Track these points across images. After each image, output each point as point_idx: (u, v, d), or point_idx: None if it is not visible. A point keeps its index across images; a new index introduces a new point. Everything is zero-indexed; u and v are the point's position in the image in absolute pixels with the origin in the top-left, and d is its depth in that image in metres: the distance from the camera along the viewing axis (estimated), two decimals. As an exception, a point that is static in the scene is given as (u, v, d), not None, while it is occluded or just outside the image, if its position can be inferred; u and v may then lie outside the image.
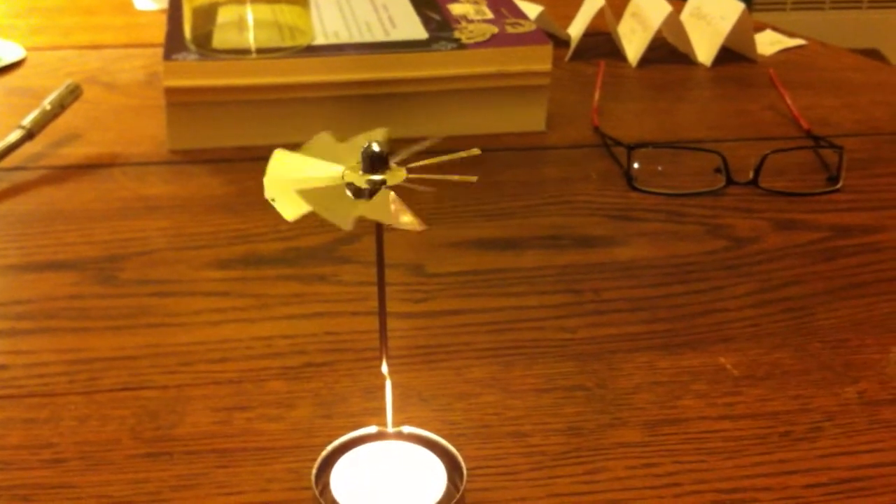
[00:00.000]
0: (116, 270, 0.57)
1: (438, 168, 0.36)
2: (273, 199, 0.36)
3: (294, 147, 0.38)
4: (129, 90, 0.81)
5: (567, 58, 0.89)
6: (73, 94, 0.73)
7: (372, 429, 0.41)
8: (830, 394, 0.48)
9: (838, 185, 0.67)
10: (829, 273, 0.58)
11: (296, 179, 0.36)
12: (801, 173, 0.69)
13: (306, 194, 0.35)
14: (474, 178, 0.36)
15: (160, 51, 0.71)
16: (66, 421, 0.45)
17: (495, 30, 0.75)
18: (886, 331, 0.53)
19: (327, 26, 0.76)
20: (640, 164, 0.68)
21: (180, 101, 0.70)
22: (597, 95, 0.80)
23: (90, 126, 0.74)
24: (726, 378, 0.49)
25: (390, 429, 0.41)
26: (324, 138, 0.38)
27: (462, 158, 0.37)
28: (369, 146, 0.35)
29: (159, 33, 0.74)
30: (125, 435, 0.45)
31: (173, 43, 0.71)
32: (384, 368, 0.39)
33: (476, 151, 0.37)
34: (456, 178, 0.36)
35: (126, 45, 0.91)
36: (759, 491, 0.42)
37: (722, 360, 0.50)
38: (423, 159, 0.37)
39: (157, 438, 0.45)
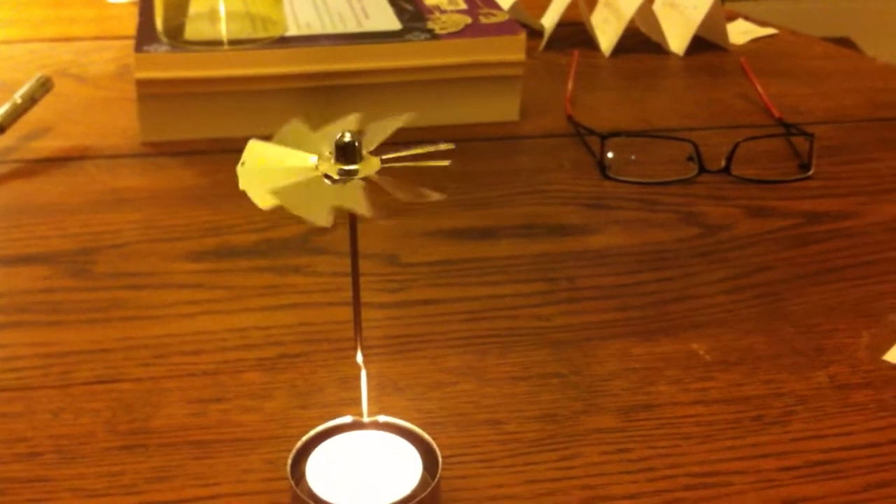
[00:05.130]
0: (89, 264, 0.57)
1: (412, 159, 0.36)
2: (247, 191, 0.35)
3: (267, 137, 0.37)
4: (101, 83, 0.81)
5: (540, 48, 0.89)
6: (44, 87, 0.72)
7: (347, 418, 0.41)
8: (802, 378, 0.48)
9: (809, 173, 0.68)
10: (801, 259, 0.59)
11: (270, 170, 0.36)
12: (772, 161, 0.70)
13: (281, 192, 0.35)
14: (447, 162, 0.36)
15: (131, 43, 0.70)
16: (41, 415, 0.45)
17: (469, 20, 0.75)
18: (857, 315, 0.53)
19: (300, 17, 0.75)
20: (613, 153, 0.68)
21: (152, 93, 0.70)
22: (570, 85, 0.80)
23: (61, 119, 0.74)
24: (699, 364, 0.49)
25: (366, 418, 0.41)
26: (295, 126, 0.38)
27: (436, 148, 0.37)
28: (342, 136, 0.35)
29: (130, 25, 0.74)
30: (100, 428, 0.45)
31: (145, 35, 0.71)
32: (359, 358, 0.39)
33: (449, 146, 0.37)
34: (431, 163, 0.36)
35: (97, 38, 0.90)
36: (732, 474, 0.42)
37: (695, 346, 0.51)
38: (396, 150, 0.37)
39: (133, 431, 0.44)
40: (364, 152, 0.36)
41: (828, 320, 0.53)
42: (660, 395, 0.47)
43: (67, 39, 0.89)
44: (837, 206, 0.64)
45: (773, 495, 0.41)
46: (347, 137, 0.35)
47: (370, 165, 0.36)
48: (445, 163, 0.36)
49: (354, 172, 0.35)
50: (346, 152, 0.35)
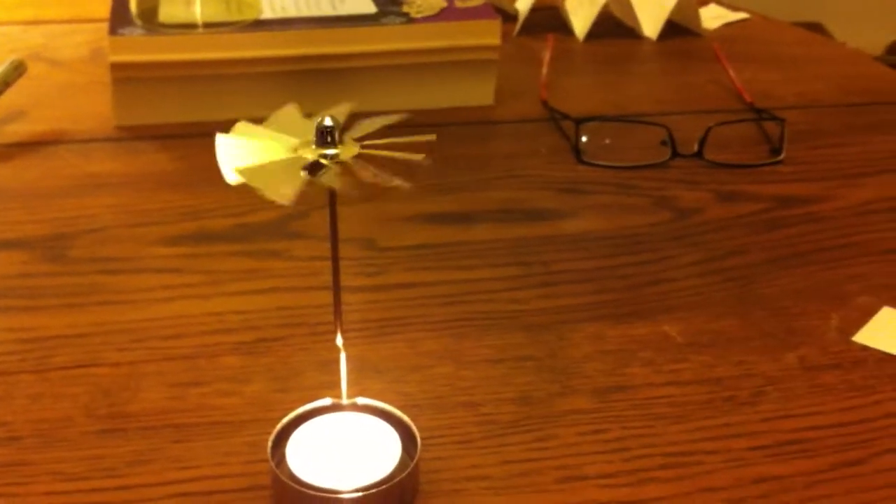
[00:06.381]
0: (65, 248, 0.57)
1: (391, 147, 0.37)
2: (220, 164, 0.36)
3: (260, 121, 0.38)
4: (74, 66, 0.80)
5: (515, 32, 0.89)
6: (18, 70, 0.71)
7: (326, 401, 0.41)
8: (772, 359, 0.49)
9: (780, 157, 0.69)
10: (771, 243, 0.59)
11: (249, 150, 0.36)
12: (744, 145, 0.70)
13: (249, 170, 0.35)
14: (422, 157, 0.36)
15: (105, 26, 0.70)
16: (19, 399, 0.45)
17: (444, 4, 0.75)
18: (826, 298, 0.54)
19: (275, 0, 0.75)
20: (587, 137, 0.69)
21: (126, 77, 0.69)
22: (545, 70, 0.80)
23: (35, 103, 0.73)
24: (672, 346, 0.50)
25: (345, 400, 0.41)
26: (289, 111, 0.38)
27: (413, 135, 0.37)
28: (322, 120, 0.36)
29: (104, 8, 0.73)
30: (79, 412, 0.45)
31: (119, 18, 0.71)
32: (339, 341, 0.40)
33: (431, 137, 0.37)
34: (406, 156, 0.36)
35: (70, 21, 0.89)
36: (705, 454, 0.43)
37: (668, 328, 0.51)
38: (377, 138, 0.37)
39: (112, 415, 0.45)
40: (345, 138, 0.36)
41: (797, 303, 0.54)
42: (634, 376, 0.48)
43: (40, 22, 0.89)
44: (808, 191, 0.65)
45: (744, 474, 0.42)
46: (328, 122, 0.36)
47: (349, 151, 0.36)
48: (420, 157, 0.36)
49: (333, 157, 0.36)
50: (325, 136, 0.36)
